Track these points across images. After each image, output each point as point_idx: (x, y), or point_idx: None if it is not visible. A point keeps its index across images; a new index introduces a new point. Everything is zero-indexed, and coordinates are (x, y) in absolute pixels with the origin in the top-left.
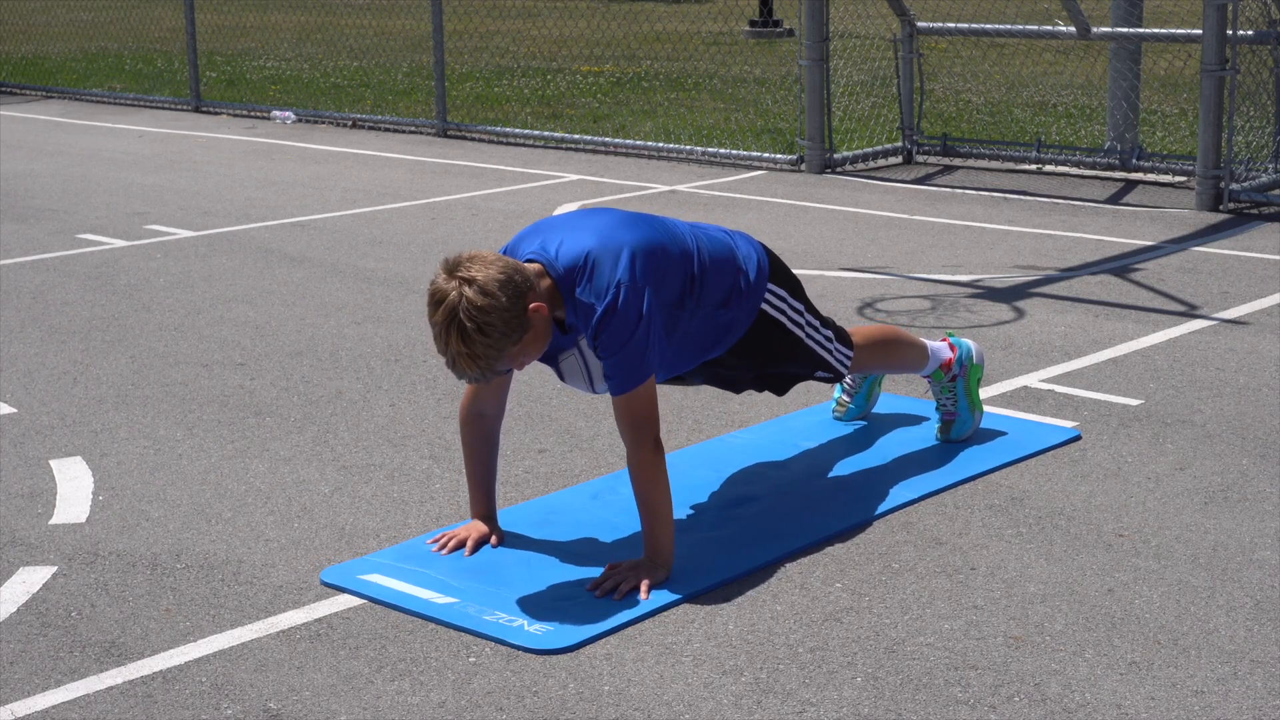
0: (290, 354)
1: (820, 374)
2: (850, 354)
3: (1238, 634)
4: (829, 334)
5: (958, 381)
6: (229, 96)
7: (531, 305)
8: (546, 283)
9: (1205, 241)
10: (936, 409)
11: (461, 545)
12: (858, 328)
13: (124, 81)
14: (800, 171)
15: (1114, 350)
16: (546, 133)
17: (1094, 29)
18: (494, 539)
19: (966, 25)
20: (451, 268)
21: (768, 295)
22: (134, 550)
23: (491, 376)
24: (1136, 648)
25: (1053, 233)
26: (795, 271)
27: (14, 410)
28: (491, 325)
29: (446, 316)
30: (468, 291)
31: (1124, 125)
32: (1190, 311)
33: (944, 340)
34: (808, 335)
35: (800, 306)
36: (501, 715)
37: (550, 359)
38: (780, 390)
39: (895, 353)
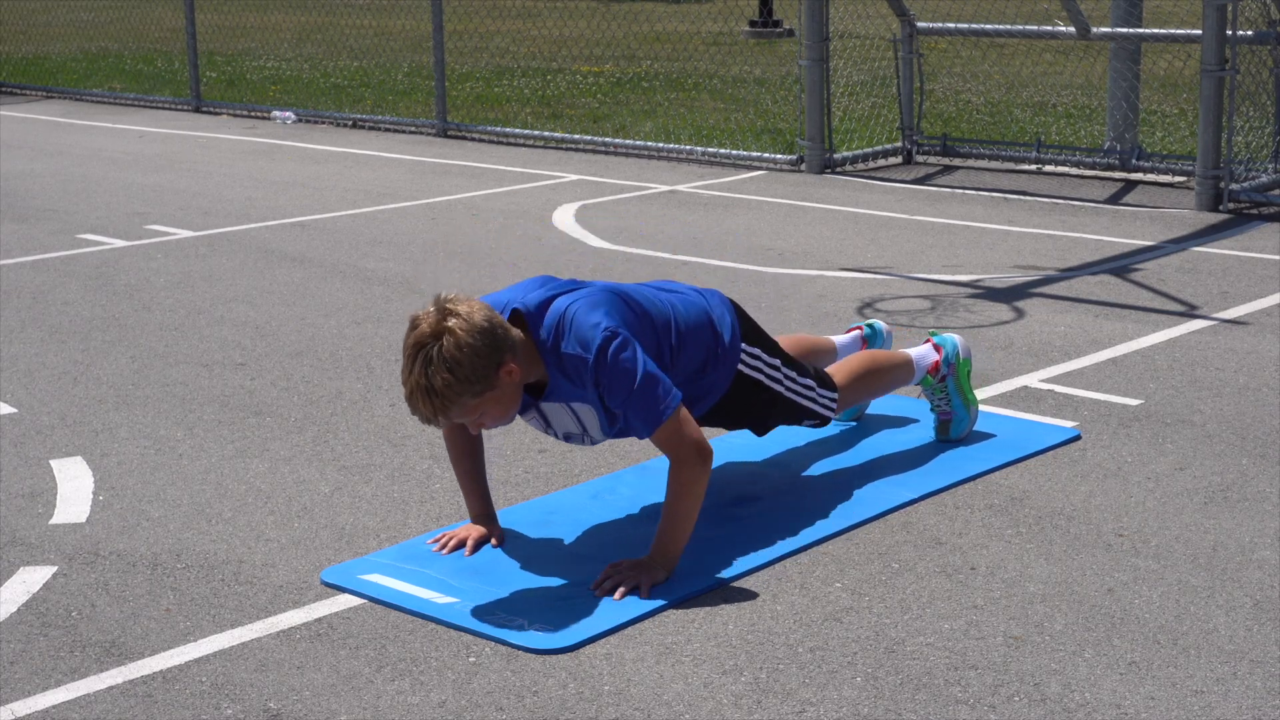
0: (290, 354)
1: (807, 421)
2: (834, 396)
3: (1238, 634)
4: (808, 382)
5: (947, 381)
6: (229, 96)
7: (505, 367)
8: (523, 338)
9: (1205, 241)
10: (931, 410)
11: (461, 545)
12: (837, 366)
13: (124, 81)
14: (800, 171)
15: (1114, 350)
16: (546, 133)
17: (1094, 29)
18: (494, 539)
19: (966, 25)
20: (438, 302)
21: (743, 356)
22: (134, 550)
23: (442, 422)
24: (1136, 648)
25: (1053, 233)
26: (795, 272)
27: (14, 410)
28: (459, 364)
29: (418, 342)
30: (447, 324)
31: (1124, 125)
32: (1190, 311)
33: (927, 342)
34: (787, 389)
35: (776, 362)
36: (501, 715)
37: (534, 412)
38: (759, 432)
39: (880, 380)
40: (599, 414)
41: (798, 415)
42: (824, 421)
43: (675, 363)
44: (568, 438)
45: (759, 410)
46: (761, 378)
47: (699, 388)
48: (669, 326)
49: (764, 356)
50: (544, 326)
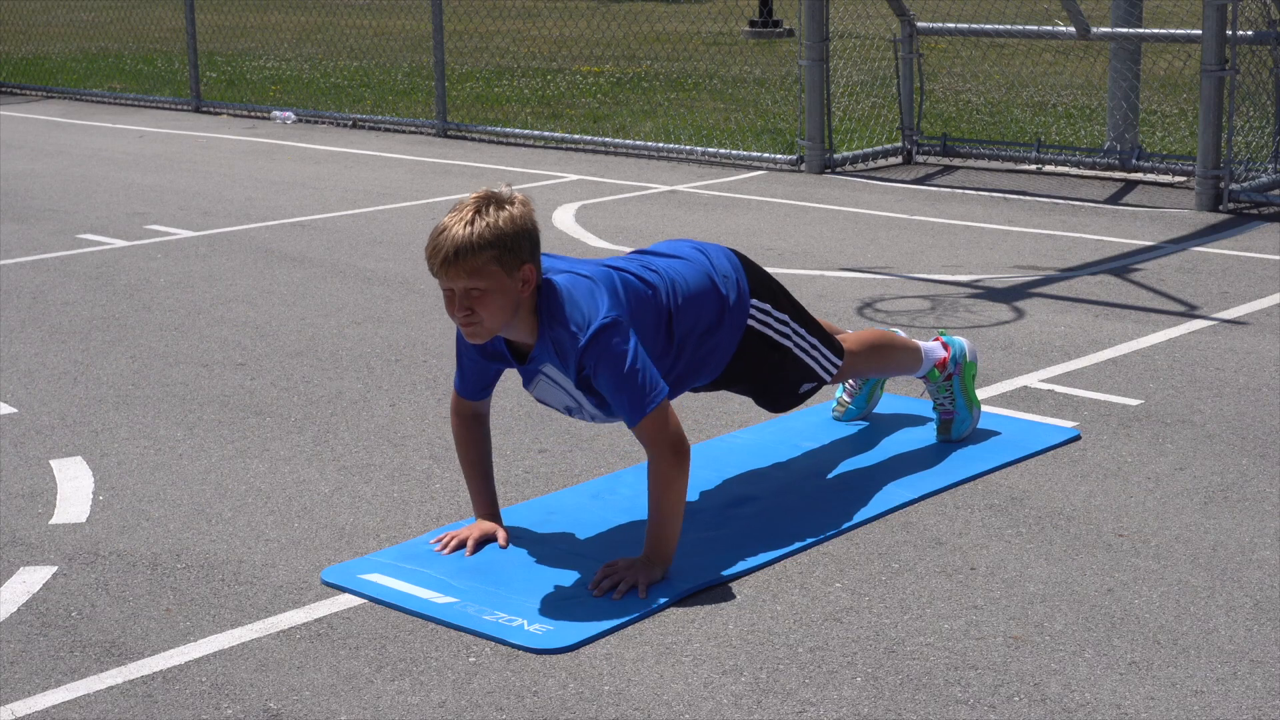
0: (290, 354)
1: (805, 385)
2: (837, 361)
3: (1237, 634)
4: (814, 340)
5: (954, 380)
6: (229, 96)
7: (529, 266)
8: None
9: (1205, 241)
10: (934, 409)
11: (462, 545)
12: (849, 334)
13: (124, 81)
14: (800, 171)
15: (1114, 350)
16: (546, 133)
17: (1094, 29)
18: (501, 538)
19: (966, 25)
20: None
21: (752, 312)
22: (134, 550)
23: (455, 273)
24: (1136, 648)
25: (1053, 233)
26: (795, 272)
27: (14, 410)
28: (505, 233)
29: (489, 195)
30: (517, 201)
31: (1124, 125)
32: (1190, 311)
33: (937, 339)
34: (795, 345)
35: (784, 317)
36: (501, 715)
37: (524, 372)
38: (771, 405)
39: (888, 356)
40: (584, 393)
41: (801, 375)
42: (821, 384)
43: (679, 326)
44: (568, 411)
45: (769, 369)
46: (770, 333)
47: (707, 347)
48: (671, 292)
49: (773, 312)
50: (542, 297)
